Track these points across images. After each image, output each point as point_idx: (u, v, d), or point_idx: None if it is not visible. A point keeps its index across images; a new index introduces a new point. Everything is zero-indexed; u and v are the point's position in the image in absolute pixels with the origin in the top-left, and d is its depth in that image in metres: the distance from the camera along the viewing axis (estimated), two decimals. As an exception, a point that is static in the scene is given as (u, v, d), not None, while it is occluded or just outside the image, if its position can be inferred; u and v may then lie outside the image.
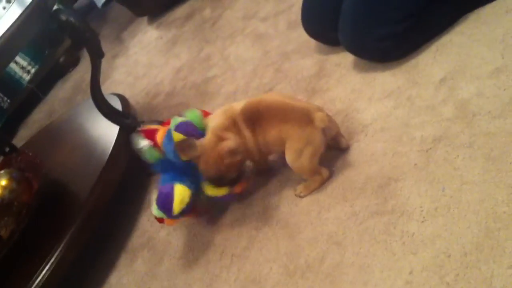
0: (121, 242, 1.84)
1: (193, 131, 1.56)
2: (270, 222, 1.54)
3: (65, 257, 1.62)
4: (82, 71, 3.59)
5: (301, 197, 1.53)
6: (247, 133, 1.50)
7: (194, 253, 1.64)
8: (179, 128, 1.55)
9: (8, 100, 3.31)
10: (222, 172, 1.50)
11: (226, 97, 2.20)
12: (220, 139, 1.48)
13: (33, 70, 3.44)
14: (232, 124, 1.51)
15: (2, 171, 1.81)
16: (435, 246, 1.19)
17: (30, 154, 1.99)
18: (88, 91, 1.99)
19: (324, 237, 1.39)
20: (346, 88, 1.77)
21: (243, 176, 1.60)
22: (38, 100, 3.61)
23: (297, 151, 1.46)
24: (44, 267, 1.60)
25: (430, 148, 1.40)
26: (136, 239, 1.83)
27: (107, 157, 1.91)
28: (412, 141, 1.45)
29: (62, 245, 1.64)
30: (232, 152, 1.46)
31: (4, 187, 1.74)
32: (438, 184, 1.31)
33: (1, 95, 3.27)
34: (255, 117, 1.50)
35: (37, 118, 3.44)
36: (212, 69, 2.45)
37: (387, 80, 1.68)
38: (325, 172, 1.52)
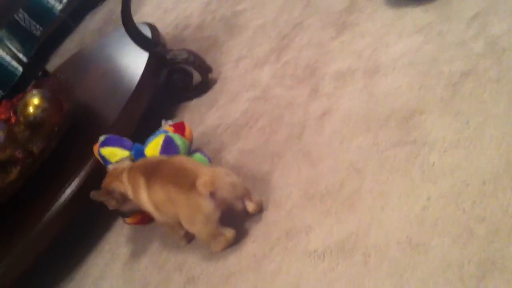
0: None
1: (119, 141, 1.64)
2: (293, 150, 1.57)
3: (92, 176, 1.68)
4: (112, 5, 3.60)
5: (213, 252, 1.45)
6: (140, 186, 1.45)
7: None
8: (106, 142, 1.63)
9: (40, 28, 3.35)
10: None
11: (255, 31, 2.20)
12: (114, 178, 1.51)
13: (65, 0, 3.46)
14: (131, 173, 1.49)
15: (35, 91, 1.86)
16: (454, 175, 1.21)
17: (62, 77, 2.03)
18: (118, 23, 2.00)
19: (344, 165, 1.42)
20: (377, 23, 1.75)
21: (133, 212, 1.61)
22: (69, 30, 3.65)
23: (188, 218, 1.39)
24: (72, 184, 1.66)
25: (458, 83, 1.39)
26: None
27: (135, 84, 1.94)
28: (439, 75, 1.45)
29: (89, 164, 1.70)
30: (109, 194, 1.50)
31: (37, 106, 1.79)
32: (462, 117, 1.31)
33: (34, 23, 3.31)
34: (151, 173, 1.44)
35: (68, 48, 3.49)
36: (242, 3, 2.44)
37: (418, 15, 1.66)
38: (228, 232, 1.41)
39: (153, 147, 1.59)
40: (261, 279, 1.30)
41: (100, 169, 1.63)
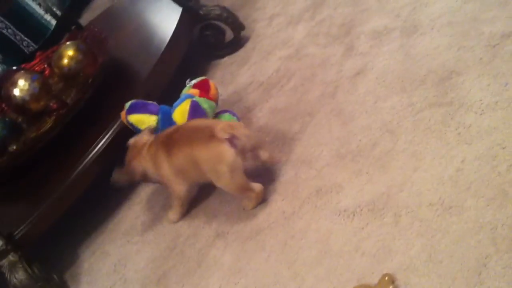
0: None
1: (145, 108, 1.62)
2: (325, 110, 1.56)
3: (124, 127, 1.70)
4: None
5: (247, 210, 1.44)
6: (162, 159, 1.46)
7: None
8: (132, 109, 1.62)
9: (74, -18, 3.34)
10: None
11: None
12: (135, 154, 1.51)
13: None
14: (151, 148, 1.49)
15: (69, 43, 1.87)
16: (491, 138, 1.18)
17: (96, 29, 2.03)
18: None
19: (377, 125, 1.40)
20: (416, -19, 1.70)
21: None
22: (102, -15, 3.63)
23: (214, 172, 1.37)
24: (104, 136, 1.68)
25: (498, 44, 1.35)
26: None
27: (168, 39, 1.93)
28: (479, 36, 1.41)
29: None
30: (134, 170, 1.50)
31: (71, 57, 1.80)
32: (501, 79, 1.28)
33: (66, -24, 3.30)
34: (169, 142, 1.44)
35: (101, 3, 3.47)
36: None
37: (460, -27, 1.60)
38: (257, 187, 1.40)
39: (180, 113, 1.58)
40: (289, 236, 1.31)
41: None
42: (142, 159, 1.50)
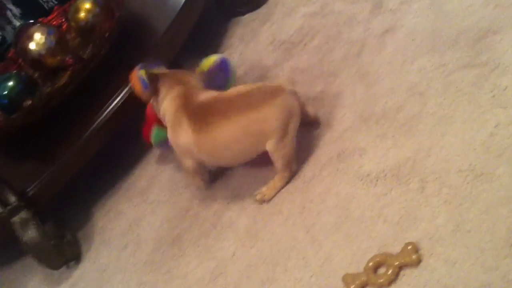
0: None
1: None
2: (349, 70, 1.49)
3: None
4: None
5: (265, 200, 1.32)
6: (186, 129, 1.30)
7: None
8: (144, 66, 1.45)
9: None
10: None
11: None
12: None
13: None
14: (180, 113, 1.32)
15: (86, -4, 1.81)
16: (528, 101, 1.10)
17: (112, -17, 1.97)
18: None
19: (405, 87, 1.32)
20: None
21: None
22: None
23: (282, 130, 1.24)
24: (120, 93, 1.63)
25: (540, 1, 1.26)
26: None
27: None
28: (519, -8, 1.31)
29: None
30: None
31: (88, 11, 1.74)
32: (543, 38, 1.19)
33: None
34: (205, 118, 1.27)
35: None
36: None
37: None
38: (295, 166, 1.32)
39: (207, 62, 1.51)
40: (308, 200, 1.26)
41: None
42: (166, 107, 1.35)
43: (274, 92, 1.24)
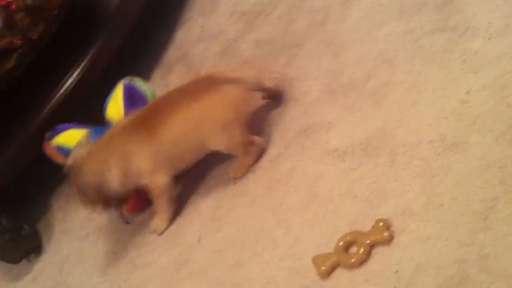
0: (156, 55, 1.76)
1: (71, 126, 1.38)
2: (314, 40, 1.41)
3: (94, 65, 1.56)
4: None
5: (236, 178, 1.26)
6: (136, 146, 1.22)
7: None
8: (56, 131, 1.37)
9: None
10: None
11: None
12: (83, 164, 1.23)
13: None
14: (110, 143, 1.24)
15: (31, -28, 1.70)
16: (500, 65, 1.05)
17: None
18: None
19: (373, 55, 1.26)
20: None
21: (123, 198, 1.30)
22: None
23: (224, 123, 1.19)
24: (73, 74, 1.55)
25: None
26: (172, 52, 1.74)
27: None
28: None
29: (91, 52, 1.57)
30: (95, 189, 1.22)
31: (34, -12, 1.64)
32: (512, -1, 1.13)
33: None
34: (145, 122, 1.22)
35: None
36: None
37: None
38: (258, 140, 1.25)
39: (114, 104, 1.34)
40: (275, 180, 1.20)
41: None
42: (94, 165, 1.22)
43: (214, 83, 1.21)
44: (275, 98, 1.34)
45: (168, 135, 1.21)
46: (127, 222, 1.36)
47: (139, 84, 1.39)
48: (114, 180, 1.22)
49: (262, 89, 1.31)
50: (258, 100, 1.33)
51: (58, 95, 1.53)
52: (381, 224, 0.97)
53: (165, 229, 1.29)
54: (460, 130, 1.00)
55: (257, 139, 1.25)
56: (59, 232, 1.53)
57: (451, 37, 1.16)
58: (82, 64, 1.55)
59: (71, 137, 1.34)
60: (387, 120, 1.12)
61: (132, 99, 1.34)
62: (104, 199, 1.25)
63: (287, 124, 1.28)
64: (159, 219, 1.29)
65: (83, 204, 1.28)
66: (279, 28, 1.52)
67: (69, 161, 1.27)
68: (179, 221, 1.28)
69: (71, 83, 1.54)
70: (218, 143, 1.22)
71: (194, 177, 1.34)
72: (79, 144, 1.28)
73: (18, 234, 1.48)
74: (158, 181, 1.24)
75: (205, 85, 1.23)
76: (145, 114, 1.25)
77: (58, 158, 1.34)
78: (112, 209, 1.33)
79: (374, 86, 1.20)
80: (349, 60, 1.29)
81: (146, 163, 1.22)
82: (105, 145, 1.24)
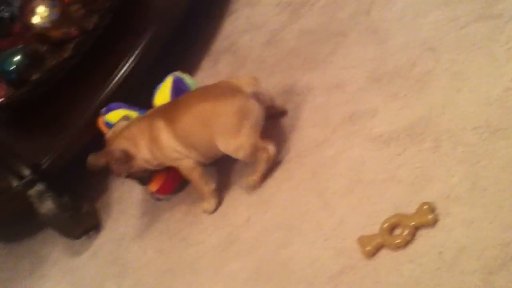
0: (205, 45, 1.81)
1: (125, 106, 1.48)
2: (358, 29, 1.44)
3: (145, 55, 1.63)
4: None
5: (255, 187, 1.31)
6: (160, 130, 1.31)
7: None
8: (110, 108, 1.48)
9: None
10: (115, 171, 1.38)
11: None
12: (113, 139, 1.36)
13: None
14: (139, 125, 1.35)
15: (86, -35, 1.77)
16: (547, 53, 1.06)
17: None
18: None
19: (417, 42, 1.28)
20: None
21: (152, 175, 1.43)
22: None
23: (231, 129, 1.24)
24: (126, 63, 1.62)
25: None
26: (220, 42, 1.80)
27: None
28: None
29: (143, 43, 1.64)
30: (120, 160, 1.33)
31: (90, -19, 1.72)
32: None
33: None
34: (171, 109, 1.32)
35: None
36: None
37: None
38: (271, 148, 1.28)
39: (162, 94, 1.44)
40: (320, 164, 1.24)
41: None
42: (123, 140, 1.34)
43: (232, 92, 1.26)
44: (280, 115, 1.39)
45: (183, 124, 1.29)
46: (158, 199, 1.50)
47: (187, 79, 1.48)
48: (140, 154, 1.34)
49: (271, 106, 1.35)
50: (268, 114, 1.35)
51: (112, 84, 1.61)
52: (425, 207, 1.00)
53: (215, 209, 1.36)
54: (504, 117, 1.02)
55: (269, 147, 1.28)
56: (117, 211, 1.61)
57: (496, 24, 1.17)
58: (135, 54, 1.61)
59: (119, 116, 1.45)
60: (431, 107, 1.14)
61: (178, 91, 1.43)
62: (130, 171, 1.38)
63: (332, 110, 1.31)
64: (205, 201, 1.37)
65: (110, 172, 1.40)
66: (324, 18, 1.55)
67: (107, 134, 1.40)
68: (229, 202, 1.34)
69: (124, 72, 1.61)
70: (225, 146, 1.27)
71: (242, 163, 1.39)
72: (118, 122, 1.42)
73: (79, 212, 1.57)
74: (183, 163, 1.34)
75: (222, 90, 1.28)
76: (171, 105, 1.36)
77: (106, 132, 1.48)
78: (136, 182, 1.46)
79: (418, 74, 1.22)
80: (394, 48, 1.32)
81: (166, 143, 1.32)
82: (136, 124, 1.36)
